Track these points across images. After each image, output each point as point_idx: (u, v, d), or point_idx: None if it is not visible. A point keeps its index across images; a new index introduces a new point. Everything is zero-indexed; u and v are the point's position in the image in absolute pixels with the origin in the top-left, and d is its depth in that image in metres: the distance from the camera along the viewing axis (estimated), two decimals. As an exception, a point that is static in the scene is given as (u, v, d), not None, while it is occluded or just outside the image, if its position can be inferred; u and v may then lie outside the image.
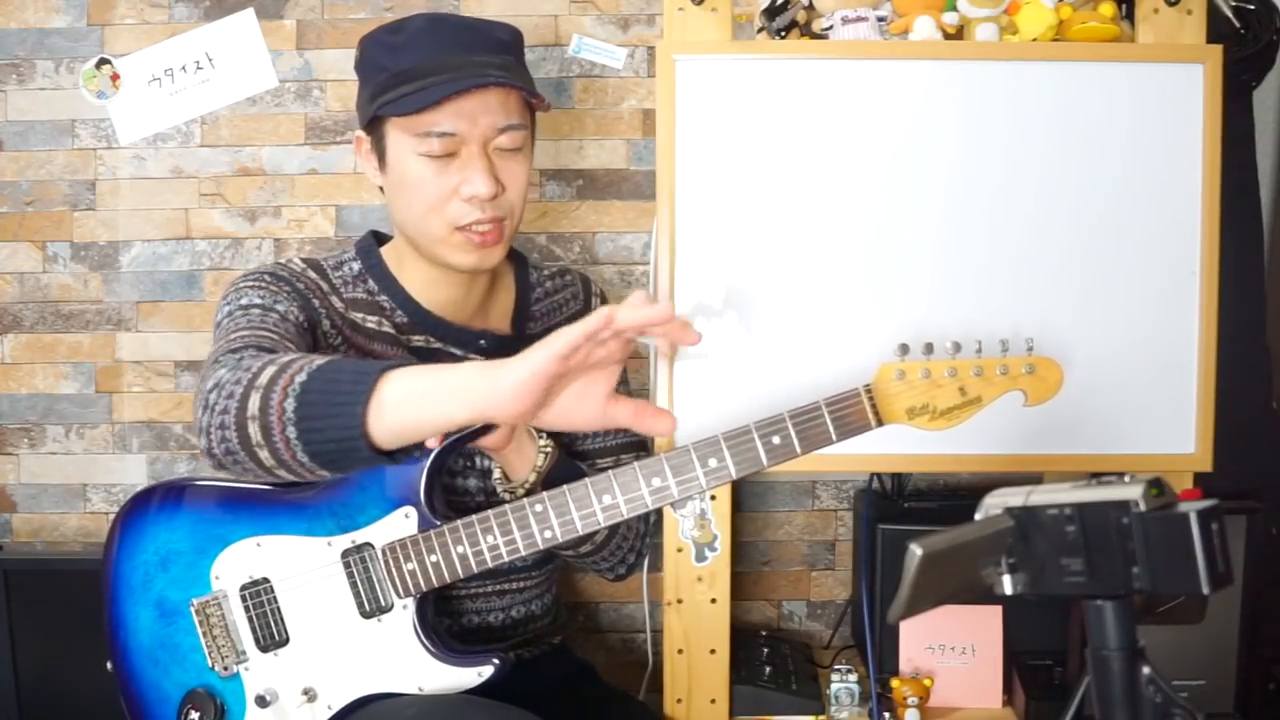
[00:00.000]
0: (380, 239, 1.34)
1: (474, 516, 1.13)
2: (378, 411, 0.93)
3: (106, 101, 1.75)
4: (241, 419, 0.97)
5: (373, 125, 1.24)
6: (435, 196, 1.19)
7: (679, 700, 1.41)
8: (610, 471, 1.12)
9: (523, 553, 1.13)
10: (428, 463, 1.13)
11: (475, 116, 1.17)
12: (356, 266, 1.29)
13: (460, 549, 1.13)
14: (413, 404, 0.94)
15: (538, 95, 1.21)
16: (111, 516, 1.24)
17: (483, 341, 1.30)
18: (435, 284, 1.28)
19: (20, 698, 1.61)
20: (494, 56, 1.20)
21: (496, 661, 1.14)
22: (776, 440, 1.10)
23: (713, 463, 1.10)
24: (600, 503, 1.12)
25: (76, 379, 1.80)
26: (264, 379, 0.98)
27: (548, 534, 1.12)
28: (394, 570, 1.14)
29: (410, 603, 1.14)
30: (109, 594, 1.21)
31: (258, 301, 1.17)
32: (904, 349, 1.10)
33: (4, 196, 1.78)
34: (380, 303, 1.27)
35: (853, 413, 1.10)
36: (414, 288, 1.28)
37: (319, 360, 0.99)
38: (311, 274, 1.25)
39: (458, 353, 1.28)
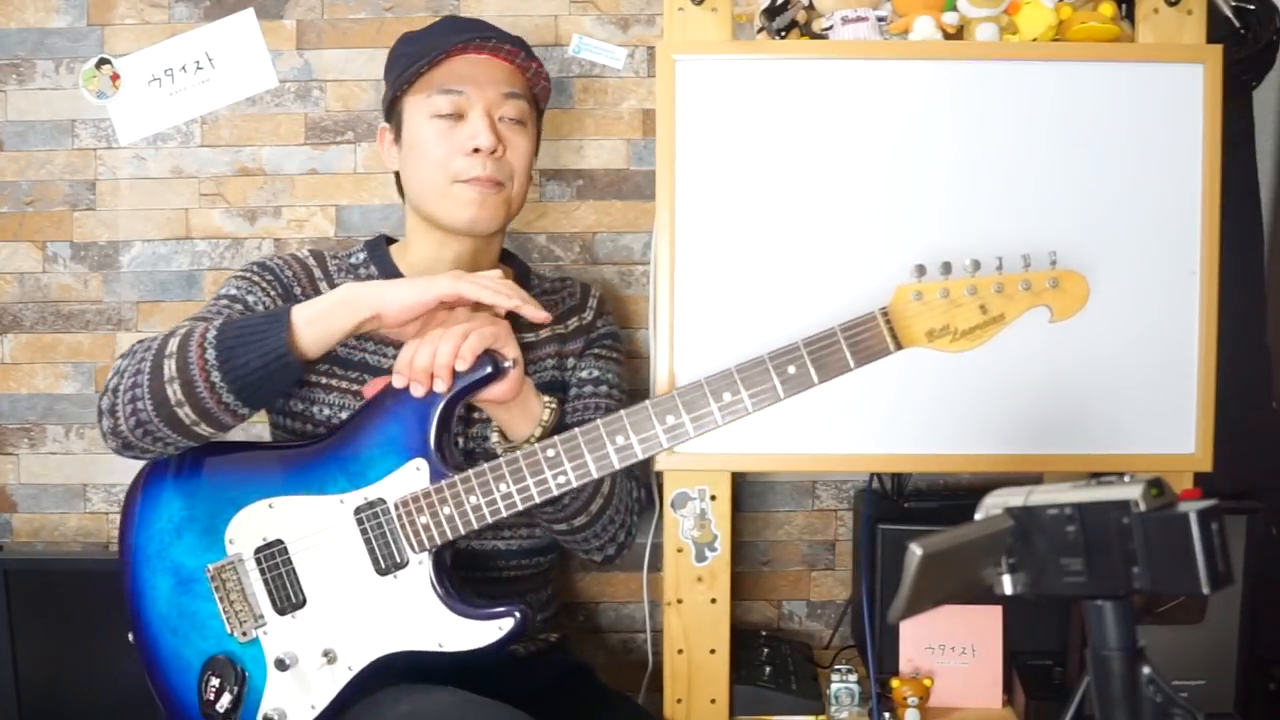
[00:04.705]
0: (390, 242, 1.41)
1: (485, 465, 1.12)
2: (295, 333, 1.08)
3: (106, 101, 1.75)
4: (157, 385, 1.09)
5: (393, 109, 1.35)
6: (442, 152, 1.29)
7: (679, 700, 1.41)
8: (622, 412, 1.11)
9: (536, 499, 1.12)
10: (437, 412, 1.12)
11: (480, 81, 1.29)
12: (361, 256, 1.37)
13: (474, 499, 1.12)
14: (321, 319, 1.10)
15: (536, 59, 1.34)
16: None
17: None
18: (433, 266, 1.33)
19: (20, 698, 1.60)
20: (503, 39, 1.33)
21: (517, 615, 1.13)
22: (792, 370, 1.08)
23: (727, 396, 1.08)
24: (614, 444, 1.10)
25: (76, 379, 1.80)
26: (172, 347, 1.10)
27: (561, 479, 1.11)
28: (408, 525, 1.13)
29: (426, 558, 1.13)
30: (127, 564, 1.21)
31: (232, 293, 1.26)
32: (920, 270, 1.05)
33: (4, 196, 1.78)
34: None
35: (870, 337, 1.08)
36: (413, 276, 1.33)
37: (217, 320, 1.12)
38: (310, 262, 1.34)
39: None
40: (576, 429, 1.11)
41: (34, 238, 1.79)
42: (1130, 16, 1.39)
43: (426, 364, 1.10)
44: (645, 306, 1.72)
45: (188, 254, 1.78)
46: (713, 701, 1.41)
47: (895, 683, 1.46)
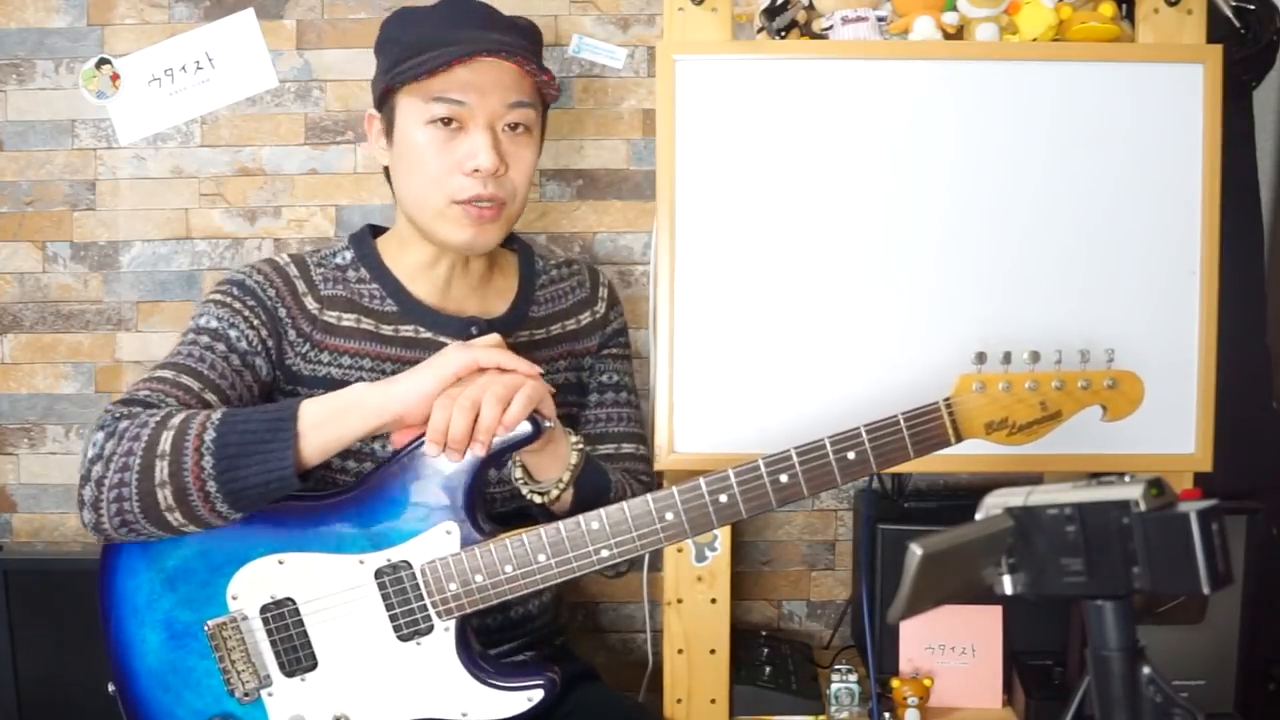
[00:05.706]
0: (376, 232, 1.34)
1: (522, 534, 1.06)
2: (300, 438, 1.02)
3: (106, 101, 1.75)
4: (146, 488, 1.02)
5: (384, 100, 1.24)
6: (438, 168, 1.19)
7: (679, 700, 1.41)
8: (674, 488, 1.05)
9: (577, 574, 1.06)
10: (471, 475, 1.06)
11: (485, 89, 1.18)
12: (348, 256, 1.28)
13: (510, 569, 1.06)
14: (328, 424, 1.04)
15: (548, 71, 1.21)
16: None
17: (474, 329, 1.27)
18: (429, 268, 1.27)
19: (20, 698, 1.60)
20: (509, 36, 1.22)
21: (545, 684, 1.09)
22: (852, 456, 1.03)
23: (784, 479, 1.03)
24: (662, 520, 1.05)
25: (76, 379, 1.80)
26: (164, 445, 1.02)
27: (604, 553, 1.05)
28: (435, 592, 1.07)
29: (451, 624, 1.08)
30: (108, 611, 1.13)
31: (213, 326, 1.18)
32: (981, 358, 1.04)
33: (4, 196, 1.78)
34: (364, 294, 1.26)
35: (933, 427, 1.04)
36: (407, 274, 1.27)
37: (215, 414, 1.04)
38: (292, 272, 1.24)
39: (447, 341, 1.25)
40: (624, 503, 1.05)
41: (34, 238, 1.79)
42: (1130, 16, 1.39)
43: (466, 431, 1.02)
44: (645, 306, 1.72)
45: (188, 254, 1.78)
46: (713, 701, 1.41)
47: (895, 683, 1.46)
